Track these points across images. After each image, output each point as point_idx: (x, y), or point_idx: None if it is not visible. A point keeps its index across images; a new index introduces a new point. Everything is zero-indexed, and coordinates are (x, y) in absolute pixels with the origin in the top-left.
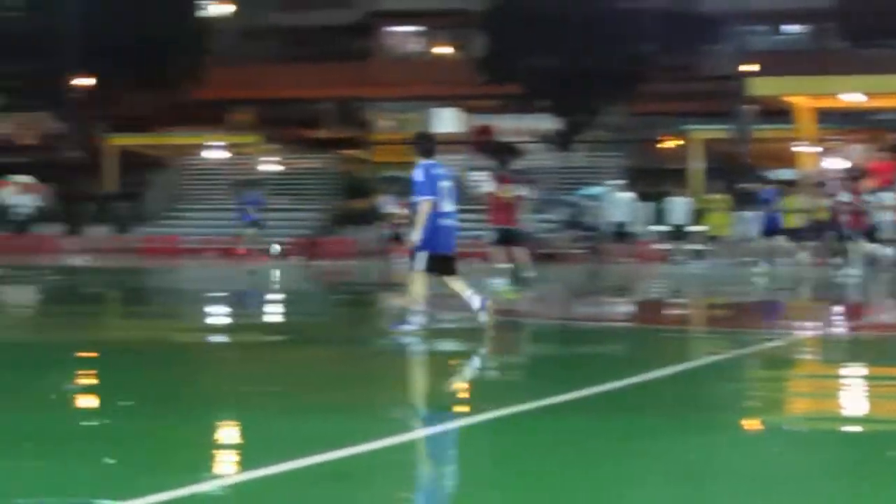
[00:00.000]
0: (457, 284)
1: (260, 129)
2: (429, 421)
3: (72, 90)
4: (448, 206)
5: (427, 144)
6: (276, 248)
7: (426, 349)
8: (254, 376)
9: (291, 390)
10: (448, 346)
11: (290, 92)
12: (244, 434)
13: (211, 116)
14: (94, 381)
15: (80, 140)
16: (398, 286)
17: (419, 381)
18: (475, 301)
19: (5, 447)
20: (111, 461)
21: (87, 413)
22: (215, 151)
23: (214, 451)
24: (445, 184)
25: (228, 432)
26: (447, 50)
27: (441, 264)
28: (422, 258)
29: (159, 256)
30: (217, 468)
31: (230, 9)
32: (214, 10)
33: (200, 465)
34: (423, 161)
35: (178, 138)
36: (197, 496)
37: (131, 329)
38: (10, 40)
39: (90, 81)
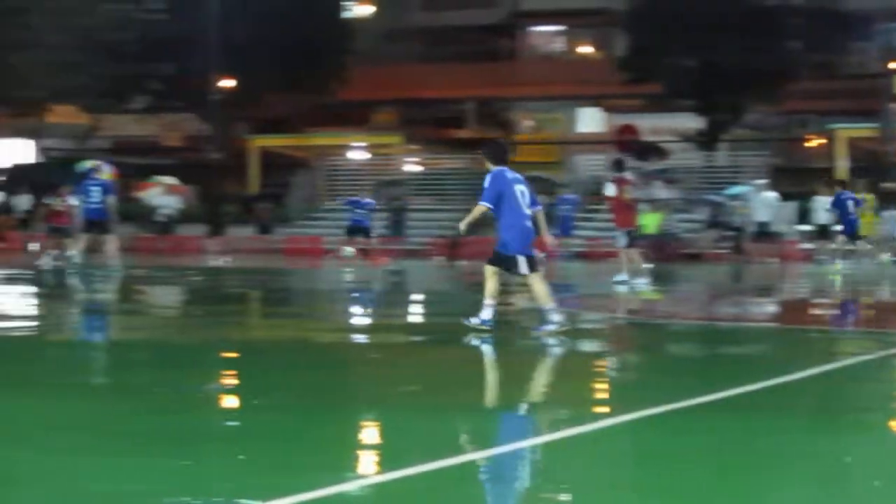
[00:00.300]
0: (538, 286)
1: (401, 129)
2: (571, 421)
3: (215, 91)
4: (524, 210)
5: (496, 150)
6: (349, 250)
7: (567, 349)
8: (395, 376)
9: (432, 390)
10: (589, 346)
11: (431, 92)
12: (386, 434)
13: (353, 117)
14: (236, 381)
15: (223, 141)
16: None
17: (561, 381)
18: (488, 312)
19: (151, 447)
20: (254, 461)
21: (230, 413)
22: (357, 152)
23: (356, 451)
24: (519, 187)
25: (370, 432)
26: (589, 49)
27: (506, 263)
28: (523, 262)
29: (301, 257)
30: (359, 468)
31: (373, 10)
32: (358, 11)
33: (343, 465)
34: (494, 168)
35: (320, 139)
36: (339, 496)
37: (273, 329)
38: (154, 42)
39: (233, 83)
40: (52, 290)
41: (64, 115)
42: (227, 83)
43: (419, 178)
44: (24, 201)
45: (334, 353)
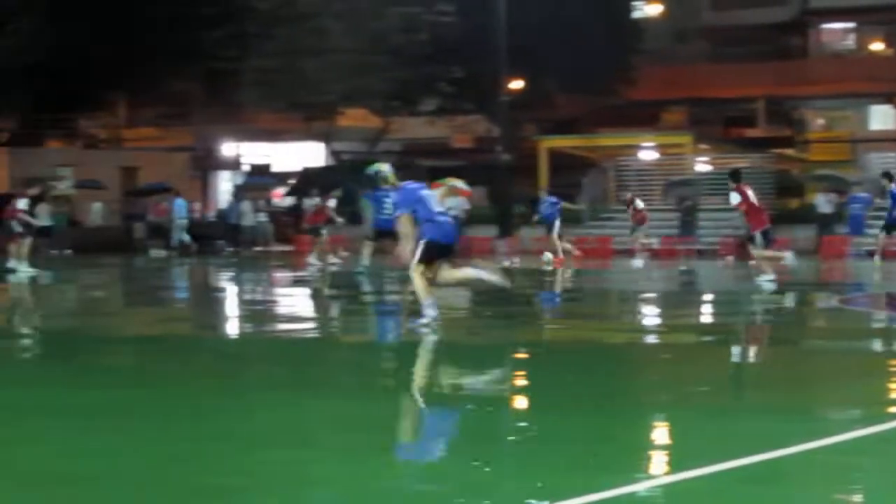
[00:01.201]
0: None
1: (691, 128)
2: (863, 421)
3: (504, 93)
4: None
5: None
6: (549, 256)
7: (858, 347)
8: (684, 377)
9: (722, 391)
10: (882, 346)
11: (721, 91)
12: (675, 434)
13: (642, 117)
14: (525, 382)
15: (512, 142)
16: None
17: (850, 381)
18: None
19: (441, 448)
20: (543, 462)
21: (520, 414)
22: (646, 152)
23: (645, 452)
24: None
25: (659, 433)
26: (880, 46)
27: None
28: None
29: (593, 258)
30: (648, 469)
31: (662, 9)
32: (646, 10)
33: (631, 466)
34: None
35: (608, 139)
36: (628, 497)
37: (562, 330)
38: (443, 44)
39: (522, 84)
40: (337, 291)
41: (354, 118)
42: (516, 84)
43: (709, 178)
44: (312, 205)
45: (623, 354)
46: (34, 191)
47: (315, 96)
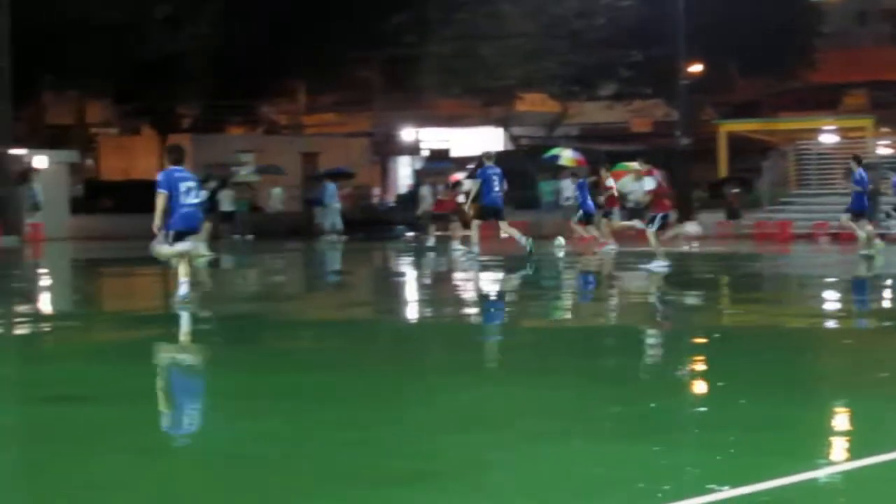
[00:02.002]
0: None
1: (872, 112)
2: None
3: (683, 77)
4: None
5: (175, 154)
6: (611, 248)
7: None
8: (864, 363)
9: None
10: None
11: None
12: (856, 421)
13: (822, 100)
14: (705, 367)
15: (691, 126)
16: None
17: None
18: None
19: (623, 433)
20: (723, 448)
21: (701, 399)
22: (827, 136)
23: (826, 438)
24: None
25: (840, 419)
26: None
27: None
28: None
29: (771, 242)
30: (830, 455)
31: None
32: None
33: (812, 452)
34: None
35: (788, 123)
36: (808, 483)
37: (742, 315)
38: (621, 28)
39: (701, 67)
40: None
41: (533, 103)
42: (695, 68)
43: (892, 162)
44: (565, 188)
45: (802, 339)
46: (212, 184)
47: (494, 81)
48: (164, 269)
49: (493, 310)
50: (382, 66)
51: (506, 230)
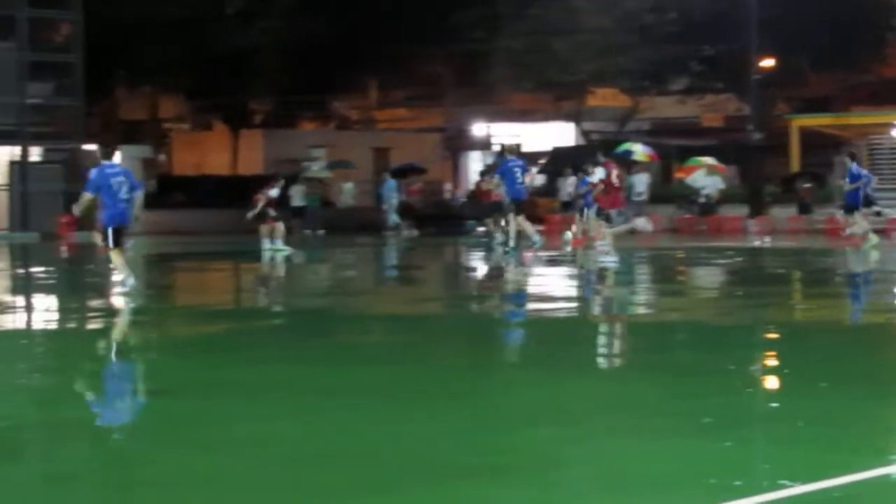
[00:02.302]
0: (117, 258)
1: None
2: None
3: (755, 71)
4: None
5: (106, 150)
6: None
7: None
8: None
9: None
10: None
11: None
12: None
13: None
14: (776, 363)
15: (763, 121)
16: None
17: None
18: None
19: (693, 428)
20: (794, 443)
21: (771, 395)
22: None
23: None
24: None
25: None
26: None
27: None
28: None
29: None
30: None
31: None
32: None
33: (889, 447)
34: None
35: (861, 118)
36: (882, 479)
37: (813, 310)
38: (693, 23)
39: (773, 62)
40: (591, 270)
41: (604, 97)
42: (767, 62)
43: None
44: (569, 184)
45: (876, 335)
46: (279, 183)
47: (565, 76)
48: (236, 263)
49: (564, 304)
50: (454, 61)
51: (521, 224)
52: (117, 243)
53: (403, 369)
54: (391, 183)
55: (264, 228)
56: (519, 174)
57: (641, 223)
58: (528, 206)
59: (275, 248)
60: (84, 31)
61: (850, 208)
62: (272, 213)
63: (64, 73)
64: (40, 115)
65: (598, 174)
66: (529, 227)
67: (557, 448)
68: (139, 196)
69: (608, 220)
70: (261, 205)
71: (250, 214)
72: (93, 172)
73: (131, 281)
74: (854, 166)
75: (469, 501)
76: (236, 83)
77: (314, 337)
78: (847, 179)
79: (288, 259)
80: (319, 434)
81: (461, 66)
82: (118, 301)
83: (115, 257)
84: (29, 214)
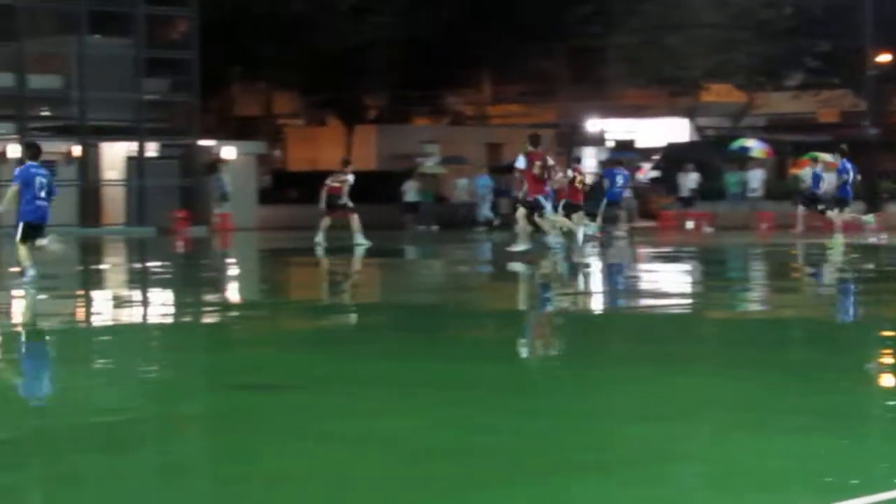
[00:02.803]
0: (22, 251)
1: None
2: None
3: (871, 66)
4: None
5: (32, 150)
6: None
7: None
8: None
9: None
10: None
11: None
12: None
13: None
14: (893, 360)
15: (879, 117)
16: None
17: None
18: None
19: (810, 425)
20: None
21: (887, 392)
22: None
23: None
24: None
25: None
26: None
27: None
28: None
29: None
30: None
31: None
32: None
33: None
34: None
35: None
36: None
37: None
38: (808, 18)
39: (888, 57)
40: (703, 265)
41: (718, 93)
42: (884, 57)
43: None
44: (690, 180)
45: None
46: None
47: (679, 72)
48: (349, 258)
49: (675, 300)
50: (568, 57)
51: (561, 222)
52: (26, 238)
53: (514, 365)
54: (485, 179)
55: (327, 220)
56: (618, 180)
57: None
58: (641, 202)
59: (355, 242)
60: (199, 28)
61: (842, 202)
62: (349, 203)
63: (180, 69)
64: (157, 111)
65: (520, 163)
66: (566, 225)
67: (667, 444)
68: (54, 198)
69: (535, 208)
70: (326, 193)
71: (322, 205)
72: (17, 170)
73: (32, 272)
74: (844, 161)
75: (581, 497)
76: (350, 79)
77: (425, 332)
78: (842, 174)
79: (400, 254)
80: (436, 429)
81: (575, 62)
82: (232, 295)
83: (21, 250)
84: (145, 209)
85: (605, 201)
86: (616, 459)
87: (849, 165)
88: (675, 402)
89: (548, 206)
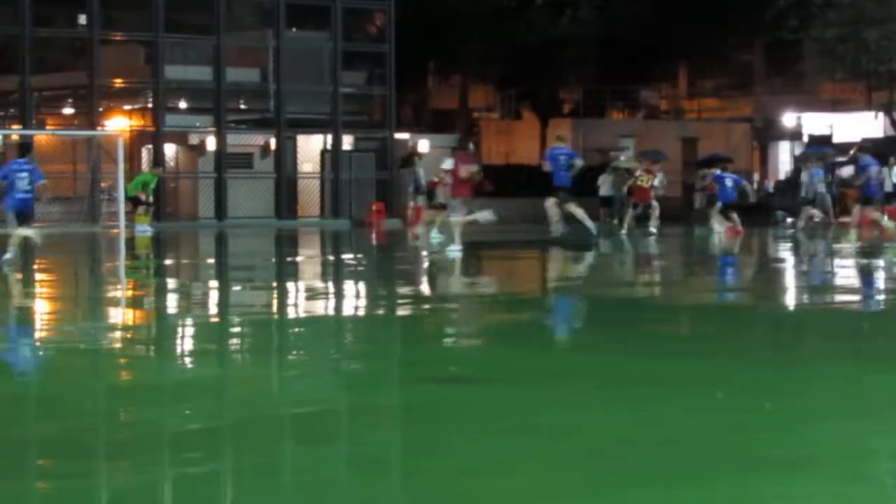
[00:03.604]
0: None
1: None
2: None
3: None
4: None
5: (21, 150)
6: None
7: None
8: None
9: None
10: None
11: None
12: None
13: None
14: None
15: None
16: None
17: None
18: None
19: None
20: None
21: None
22: None
23: None
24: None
25: None
26: None
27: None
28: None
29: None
30: None
31: None
32: None
33: None
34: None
35: None
36: None
37: None
38: None
39: None
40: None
41: None
42: None
43: None
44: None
45: None
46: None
47: (878, 65)
48: (544, 252)
49: (871, 297)
50: (764, 51)
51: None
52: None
53: (710, 360)
54: (817, 173)
55: (429, 214)
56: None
57: (486, 215)
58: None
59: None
60: (395, 22)
61: (868, 200)
62: (440, 200)
63: (377, 62)
64: (353, 104)
65: (447, 164)
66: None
67: (862, 441)
68: (40, 183)
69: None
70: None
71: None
72: (2, 169)
73: (8, 256)
74: (866, 158)
75: (774, 494)
76: (546, 72)
77: (619, 326)
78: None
79: (591, 248)
80: (622, 423)
81: (772, 56)
82: (426, 288)
83: (15, 237)
84: (341, 202)
85: (718, 204)
86: (811, 456)
87: (868, 163)
88: (871, 398)
89: (461, 210)
